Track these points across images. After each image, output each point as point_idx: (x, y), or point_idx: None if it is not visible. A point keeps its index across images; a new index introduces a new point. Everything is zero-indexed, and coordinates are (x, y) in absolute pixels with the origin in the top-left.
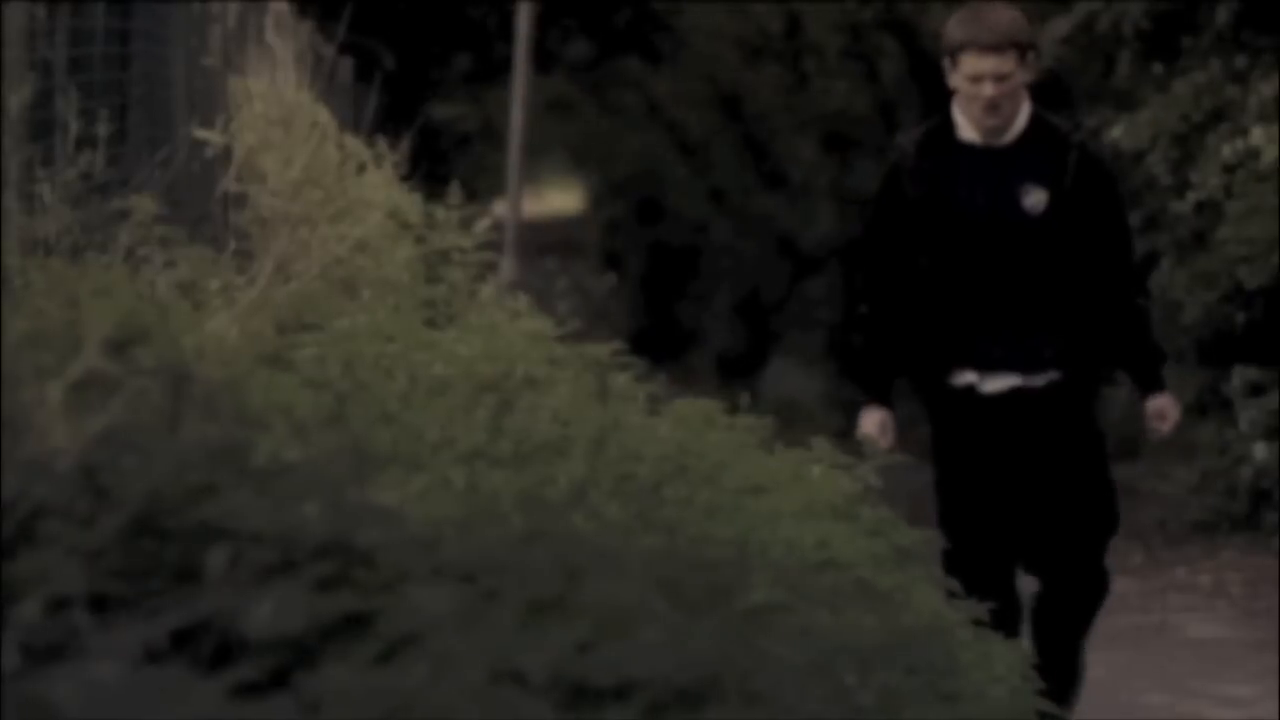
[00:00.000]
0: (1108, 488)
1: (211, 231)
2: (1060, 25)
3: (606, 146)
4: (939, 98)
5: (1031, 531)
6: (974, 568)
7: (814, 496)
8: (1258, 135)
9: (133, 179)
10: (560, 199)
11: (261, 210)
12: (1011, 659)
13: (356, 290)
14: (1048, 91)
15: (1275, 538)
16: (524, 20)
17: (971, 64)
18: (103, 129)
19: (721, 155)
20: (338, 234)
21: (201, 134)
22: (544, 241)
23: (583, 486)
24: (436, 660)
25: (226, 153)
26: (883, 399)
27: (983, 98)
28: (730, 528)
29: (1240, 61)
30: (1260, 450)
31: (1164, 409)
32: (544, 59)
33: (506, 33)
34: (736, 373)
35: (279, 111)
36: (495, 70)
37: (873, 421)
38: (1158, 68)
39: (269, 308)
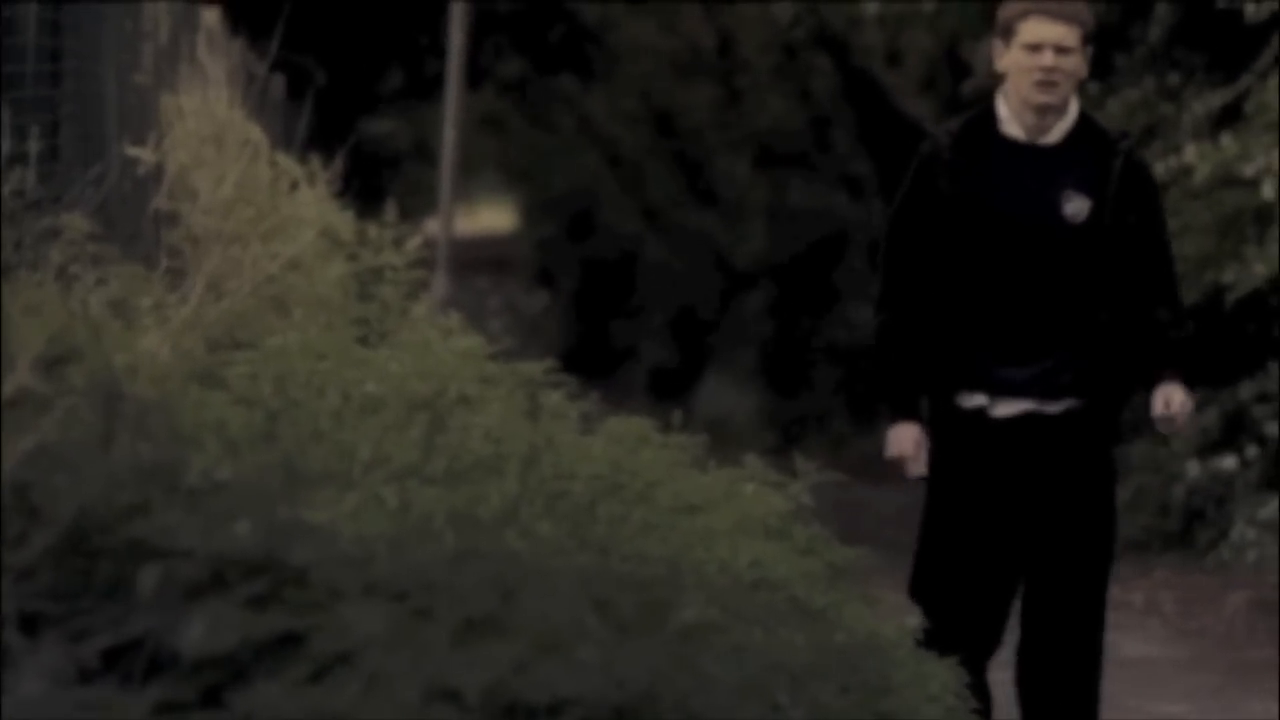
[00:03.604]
0: (1108, 537)
1: (143, 249)
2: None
3: (539, 163)
4: (872, 115)
5: (1027, 571)
6: (955, 608)
7: (747, 515)
8: (1191, 153)
9: (64, 197)
10: (493, 216)
11: (193, 228)
12: (946, 678)
13: (288, 308)
14: None
15: (1208, 556)
16: (456, 37)
17: (1033, 30)
18: (34, 146)
19: (654, 172)
20: (270, 252)
21: (133, 152)
22: (476, 259)
23: (515, 505)
24: (369, 679)
25: (158, 170)
26: (912, 414)
27: (1040, 67)
28: (663, 546)
29: (1173, 79)
30: (1193, 468)
31: (1170, 394)
32: (476, 75)
33: (438, 49)
34: (669, 390)
35: (211, 129)
36: (427, 87)
37: (906, 439)
38: (1091, 84)
39: (201, 326)
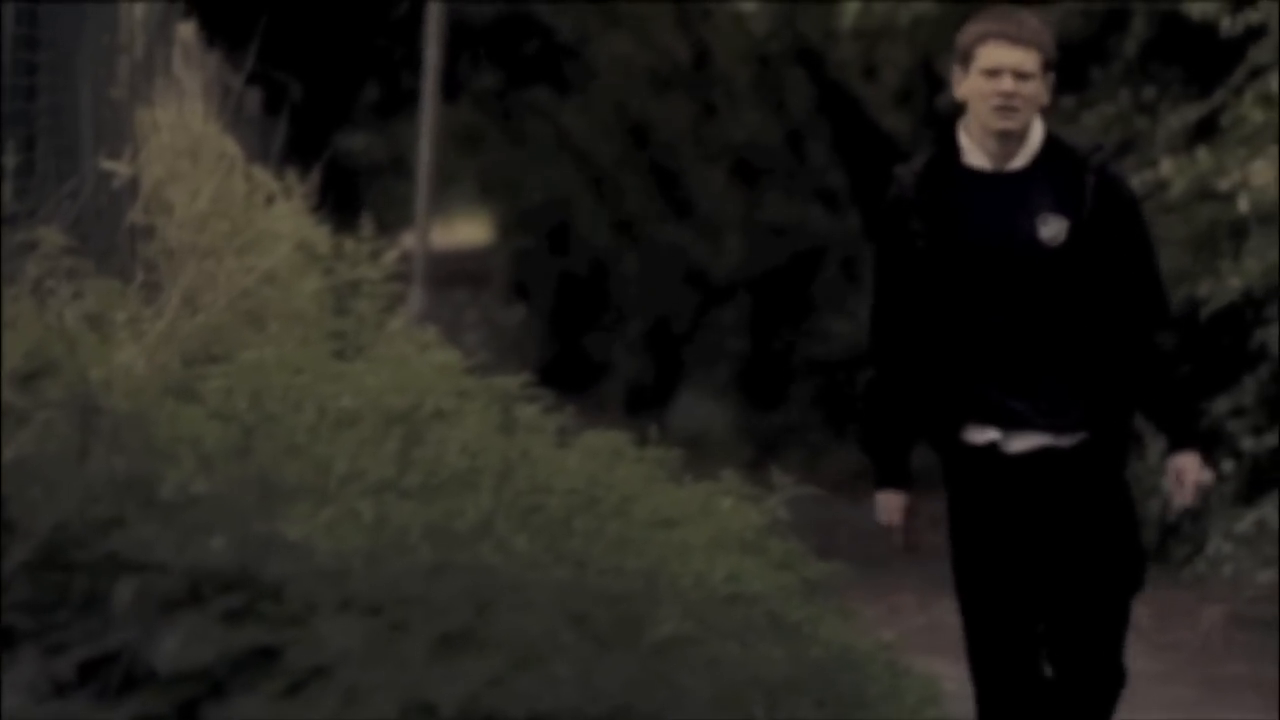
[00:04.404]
0: (1137, 566)
1: (119, 263)
2: None
3: (515, 177)
4: (848, 128)
5: (1049, 611)
6: (1003, 651)
7: (723, 529)
8: (1166, 167)
9: (40, 211)
10: (469, 230)
11: (169, 242)
12: (921, 690)
13: (264, 322)
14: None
15: (1184, 570)
16: (432, 51)
17: (992, 55)
18: (10, 161)
19: (630, 185)
20: (245, 266)
21: (109, 165)
22: (452, 273)
23: (491, 519)
24: (346, 692)
25: (134, 184)
26: (899, 480)
27: (999, 93)
28: (639, 560)
29: (1149, 93)
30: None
31: (1184, 469)
32: (452, 88)
33: (415, 63)
34: (646, 404)
35: (186, 143)
36: (403, 101)
37: (894, 509)
38: (1067, 99)
39: (176, 340)
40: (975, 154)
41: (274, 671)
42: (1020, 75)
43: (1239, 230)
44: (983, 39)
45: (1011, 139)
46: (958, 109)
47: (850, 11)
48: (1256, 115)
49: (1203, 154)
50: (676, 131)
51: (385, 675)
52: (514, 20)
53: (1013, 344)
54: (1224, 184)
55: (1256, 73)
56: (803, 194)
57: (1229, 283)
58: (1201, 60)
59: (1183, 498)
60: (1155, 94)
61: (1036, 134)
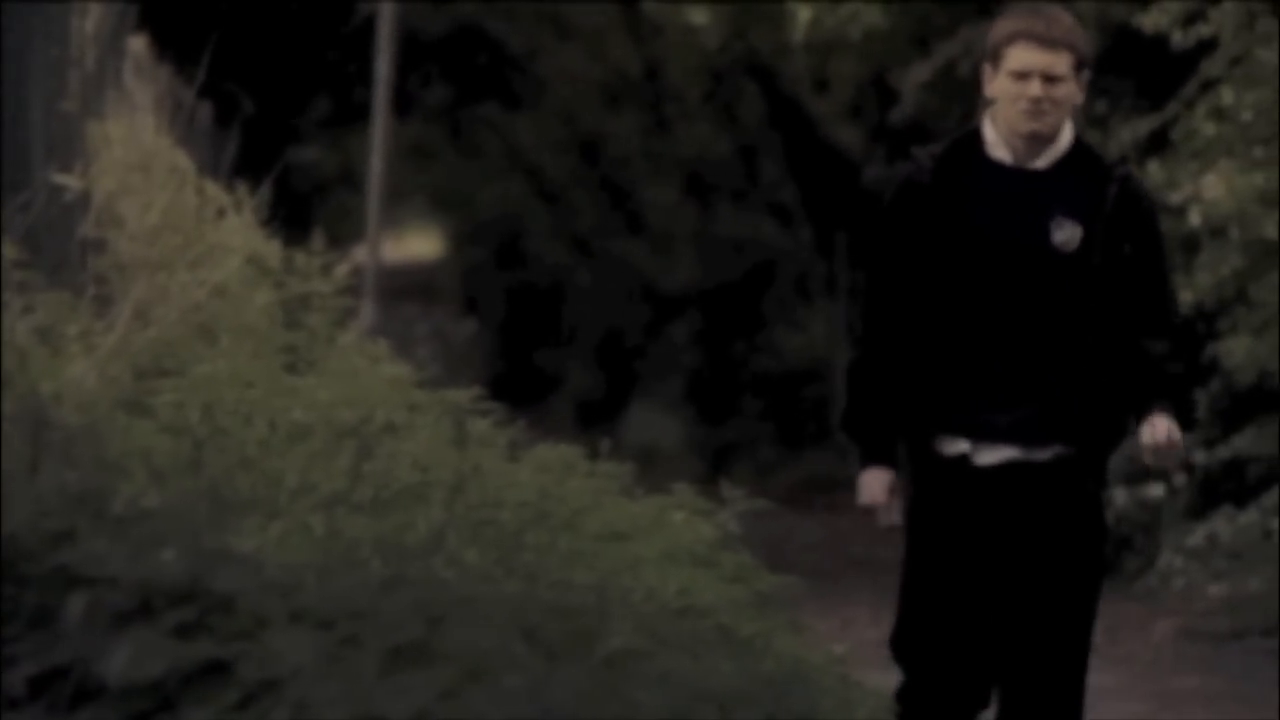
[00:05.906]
0: (1089, 613)
1: (70, 277)
2: (921, 70)
3: (466, 191)
4: (799, 142)
5: (1005, 647)
6: (939, 666)
7: (675, 542)
8: None
9: None
10: (420, 244)
11: (120, 255)
12: (873, 704)
13: (215, 336)
14: (910, 137)
15: (1136, 584)
16: (383, 65)
17: (1020, 57)
18: None
19: (581, 200)
20: (197, 279)
21: (60, 179)
22: (404, 287)
23: (442, 533)
24: (296, 707)
25: (85, 198)
26: (885, 458)
27: (1026, 97)
28: (591, 574)
29: (1100, 106)
30: (1121, 496)
31: (1157, 423)
32: (403, 103)
33: (366, 77)
34: (597, 418)
35: (138, 156)
36: (355, 115)
37: (878, 486)
38: None
39: (128, 353)
40: (1000, 148)
41: (225, 685)
42: (1050, 78)
43: (1191, 244)
44: (1011, 39)
45: (1039, 139)
46: (924, 114)
47: (801, 23)
48: (1208, 128)
49: (1154, 167)
50: (628, 146)
51: (336, 689)
52: (464, 34)
53: (1001, 347)
54: (1175, 197)
55: (1208, 86)
56: (754, 208)
57: (1181, 296)
58: (1153, 73)
59: (1160, 454)
60: (1107, 107)
61: (1065, 136)
